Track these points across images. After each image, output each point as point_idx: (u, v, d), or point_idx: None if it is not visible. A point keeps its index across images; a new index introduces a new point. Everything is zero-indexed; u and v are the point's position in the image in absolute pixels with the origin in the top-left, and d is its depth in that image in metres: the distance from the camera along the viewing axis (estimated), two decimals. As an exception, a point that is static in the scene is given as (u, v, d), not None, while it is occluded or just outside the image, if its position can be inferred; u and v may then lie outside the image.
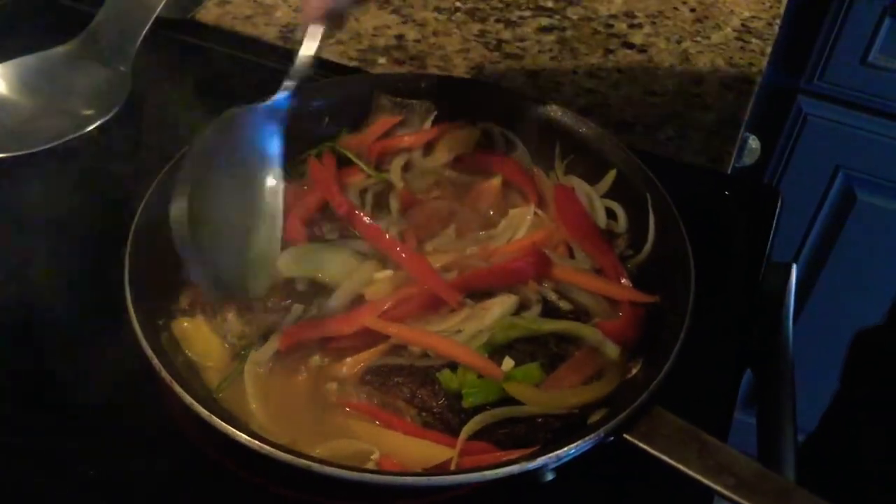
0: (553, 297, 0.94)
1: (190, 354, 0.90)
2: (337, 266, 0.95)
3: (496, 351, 0.87)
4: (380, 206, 1.04)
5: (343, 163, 1.08)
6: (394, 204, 1.04)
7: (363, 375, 0.87)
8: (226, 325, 0.92)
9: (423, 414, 0.85)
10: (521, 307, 0.92)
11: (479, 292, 0.93)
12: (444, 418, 0.84)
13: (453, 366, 0.86)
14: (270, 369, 0.89)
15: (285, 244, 0.95)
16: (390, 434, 0.84)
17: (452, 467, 0.80)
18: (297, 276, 0.94)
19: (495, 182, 1.05)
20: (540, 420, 0.83)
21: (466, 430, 0.81)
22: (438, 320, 0.91)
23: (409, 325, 0.90)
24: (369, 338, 0.89)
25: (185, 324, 0.92)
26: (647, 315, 0.93)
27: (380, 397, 0.86)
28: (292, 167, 1.08)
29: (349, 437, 0.84)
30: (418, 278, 0.92)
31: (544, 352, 0.88)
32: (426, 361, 0.87)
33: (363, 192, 1.05)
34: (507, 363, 0.86)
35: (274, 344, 0.89)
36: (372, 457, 0.82)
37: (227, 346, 0.91)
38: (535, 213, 1.02)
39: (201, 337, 0.91)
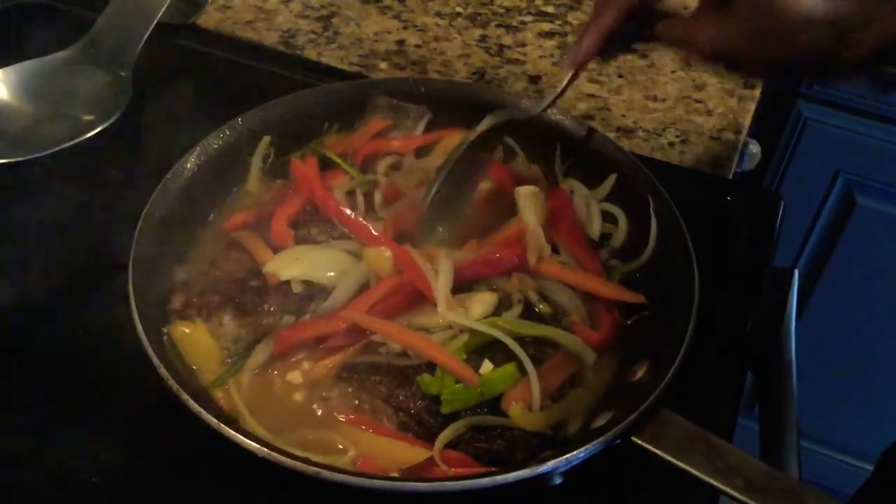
0: (534, 297, 0.94)
1: (188, 359, 0.90)
2: (331, 267, 0.95)
3: (475, 351, 0.87)
4: (370, 207, 1.04)
5: (331, 164, 1.08)
6: (377, 197, 1.04)
7: (340, 373, 0.88)
8: (221, 328, 0.92)
9: (400, 414, 0.85)
10: (502, 306, 0.92)
11: (463, 286, 0.93)
12: (422, 420, 0.84)
13: (432, 367, 0.86)
14: (261, 372, 0.89)
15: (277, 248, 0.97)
16: (365, 434, 0.85)
17: (436, 473, 0.80)
18: (292, 278, 0.94)
19: (484, 185, 1.05)
20: (518, 435, 0.83)
21: (443, 438, 0.82)
22: (426, 313, 0.91)
23: (396, 319, 0.90)
24: (361, 335, 0.90)
25: (184, 328, 0.92)
26: (650, 318, 0.93)
27: (357, 395, 0.86)
28: (281, 168, 1.09)
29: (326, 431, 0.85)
30: (404, 271, 0.93)
31: (523, 353, 0.87)
32: (404, 361, 0.87)
33: (350, 193, 1.05)
34: (486, 366, 0.86)
35: (268, 348, 0.90)
36: (348, 454, 0.83)
37: (223, 349, 0.91)
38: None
39: (199, 341, 0.91)
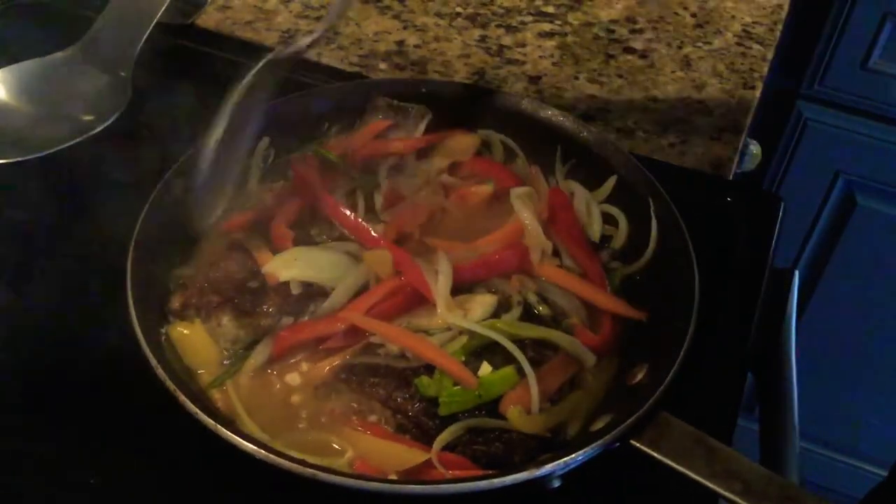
0: (533, 299, 0.94)
1: (186, 361, 0.90)
2: (331, 268, 0.95)
3: (474, 353, 0.87)
4: (370, 208, 1.04)
5: (331, 165, 1.07)
6: (378, 200, 1.04)
7: (339, 374, 0.88)
8: (220, 329, 0.92)
9: (398, 416, 0.85)
10: (501, 307, 0.92)
11: (463, 287, 0.93)
12: (419, 422, 0.84)
13: (430, 369, 0.86)
14: (259, 373, 0.90)
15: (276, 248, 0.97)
16: (363, 436, 0.85)
17: (434, 476, 0.80)
18: (290, 279, 0.94)
19: (485, 188, 1.05)
20: (517, 437, 0.83)
21: (440, 440, 0.82)
22: (426, 314, 0.91)
23: (395, 320, 0.90)
24: (360, 337, 0.90)
25: (183, 329, 0.92)
26: (651, 320, 0.93)
27: (355, 397, 0.86)
28: (282, 169, 1.09)
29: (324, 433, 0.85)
30: (404, 273, 0.93)
31: (521, 356, 0.87)
32: (402, 363, 0.87)
33: (350, 193, 1.05)
34: (485, 368, 0.86)
35: (267, 349, 0.90)
36: (346, 456, 0.83)
37: (221, 350, 0.92)
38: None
39: (197, 342, 0.92)
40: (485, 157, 1.11)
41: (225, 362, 0.91)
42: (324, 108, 1.12)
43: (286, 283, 0.94)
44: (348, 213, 1.00)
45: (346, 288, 0.93)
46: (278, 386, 0.89)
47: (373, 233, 0.97)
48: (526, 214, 0.99)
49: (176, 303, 0.94)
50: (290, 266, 0.94)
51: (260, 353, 0.90)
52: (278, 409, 0.87)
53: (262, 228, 1.00)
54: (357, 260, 0.96)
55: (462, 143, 1.11)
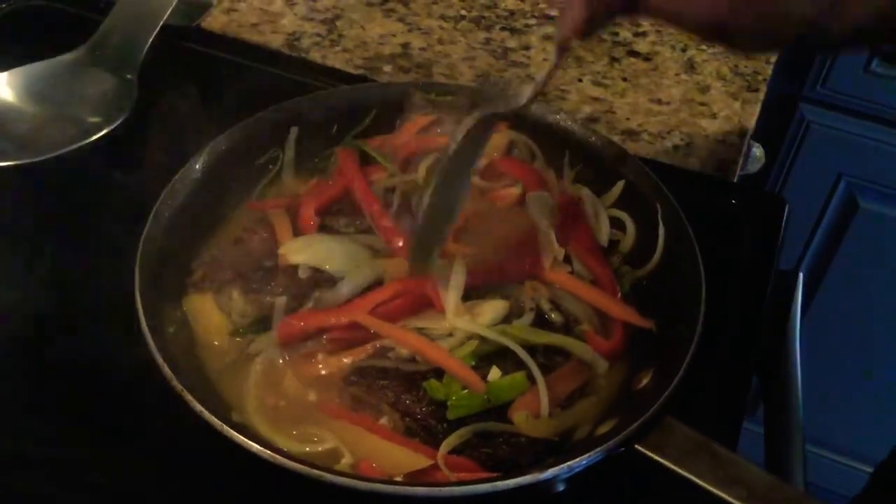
0: (546, 307, 0.94)
1: (197, 330, 0.92)
2: (344, 259, 0.95)
3: (484, 358, 0.87)
4: (406, 206, 1.04)
5: (370, 161, 1.08)
6: (416, 203, 1.03)
7: (349, 376, 0.88)
8: (231, 302, 0.93)
9: (406, 419, 0.85)
10: (514, 313, 0.92)
11: (473, 294, 0.93)
12: (427, 425, 0.85)
13: (439, 373, 0.86)
14: (272, 369, 0.90)
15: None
16: (370, 437, 0.85)
17: (439, 478, 0.80)
18: (301, 263, 0.94)
19: (514, 190, 1.05)
20: (524, 441, 0.83)
21: (447, 444, 0.82)
22: (434, 316, 0.91)
23: (403, 321, 0.90)
24: (365, 331, 0.90)
25: (195, 299, 0.94)
26: (657, 325, 0.93)
27: (364, 399, 0.87)
28: (311, 166, 1.10)
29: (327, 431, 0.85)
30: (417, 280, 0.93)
31: (531, 361, 0.87)
32: (412, 366, 0.88)
33: (389, 190, 1.05)
34: (494, 373, 0.86)
35: (271, 336, 0.90)
36: (352, 456, 0.83)
37: (230, 323, 0.93)
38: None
39: (208, 312, 0.93)
40: (511, 156, 1.11)
41: (236, 339, 0.92)
42: (333, 111, 1.12)
43: (296, 267, 0.94)
44: (383, 212, 1.00)
45: (354, 280, 0.93)
46: (288, 383, 0.89)
47: (400, 243, 0.97)
48: (542, 221, 0.99)
49: (197, 276, 0.95)
50: (301, 250, 0.95)
51: (265, 340, 0.90)
52: (287, 407, 0.88)
53: (294, 212, 1.01)
54: (376, 255, 0.96)
55: (496, 139, 1.11)
